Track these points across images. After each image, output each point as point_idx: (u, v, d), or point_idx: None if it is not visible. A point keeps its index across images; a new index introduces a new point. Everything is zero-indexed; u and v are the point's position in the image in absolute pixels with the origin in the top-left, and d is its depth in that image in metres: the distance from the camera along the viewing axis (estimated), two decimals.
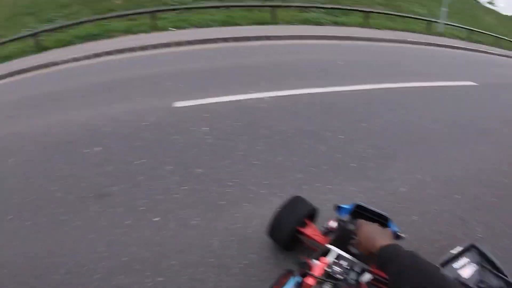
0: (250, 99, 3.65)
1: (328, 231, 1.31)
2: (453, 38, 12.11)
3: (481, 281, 0.87)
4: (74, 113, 3.56)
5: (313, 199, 1.59)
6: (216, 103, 3.49)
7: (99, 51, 6.81)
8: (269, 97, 3.76)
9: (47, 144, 2.85)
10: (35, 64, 6.58)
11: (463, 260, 0.98)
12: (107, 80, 4.80)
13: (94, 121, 3.19)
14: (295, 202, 1.48)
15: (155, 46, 6.93)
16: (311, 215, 1.50)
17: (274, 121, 3.11)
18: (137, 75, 4.96)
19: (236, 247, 1.62)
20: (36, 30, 8.36)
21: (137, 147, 2.65)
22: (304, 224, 1.43)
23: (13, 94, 4.93)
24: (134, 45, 6.96)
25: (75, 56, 6.75)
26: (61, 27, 8.78)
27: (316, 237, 1.33)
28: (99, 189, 2.15)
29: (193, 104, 3.42)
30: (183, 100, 3.52)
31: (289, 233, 1.41)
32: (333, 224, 1.28)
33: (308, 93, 3.99)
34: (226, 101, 3.54)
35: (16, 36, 8.34)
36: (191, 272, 1.51)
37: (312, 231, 1.39)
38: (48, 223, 1.90)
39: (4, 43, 8.30)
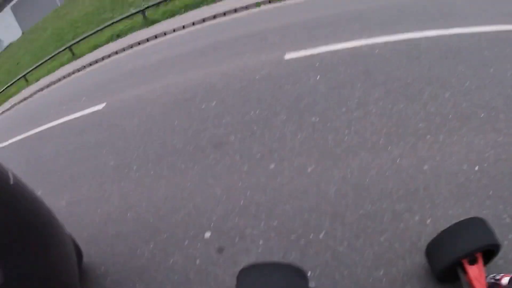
0: (363, 45, 3.47)
1: (495, 286, 1.15)
2: None
3: None
4: (188, 73, 4.04)
5: (433, 159, 1.52)
6: (327, 52, 3.49)
7: (204, 16, 7.48)
8: (384, 42, 3.49)
9: (166, 103, 3.35)
10: (146, 37, 7.91)
11: None
12: (215, 41, 5.25)
13: (208, 79, 3.59)
14: (474, 225, 1.25)
15: (257, 4, 7.13)
16: (489, 251, 1.25)
17: (390, 68, 2.88)
18: (244, 33, 5.23)
19: (353, 196, 1.66)
20: (143, 7, 9.80)
21: (251, 99, 2.88)
22: (473, 260, 1.22)
23: (129, 64, 6.01)
24: (237, 6, 7.33)
25: (183, 24, 7.61)
26: (165, 0, 10.04)
27: (477, 285, 1.16)
28: (217, 139, 2.45)
29: (304, 55, 3.52)
30: (293, 51, 3.66)
31: (448, 263, 1.23)
32: (505, 280, 1.12)
33: (427, 37, 3.51)
34: (338, 49, 3.46)
35: (125, 15, 10.01)
36: (305, 218, 1.63)
37: (477, 273, 1.19)
38: (170, 171, 2.20)
39: (114, 23, 10.09)
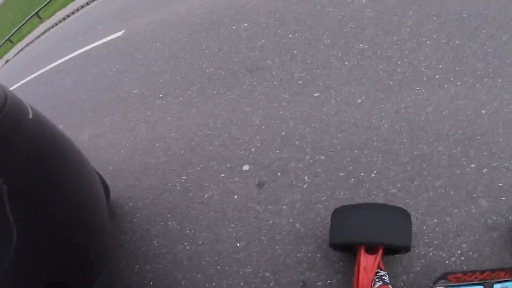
0: None
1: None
2: None
3: None
4: None
5: (491, 104, 1.35)
6: None
7: None
8: None
9: (191, 25, 3.04)
10: None
11: None
12: None
13: None
14: (394, 216, 1.11)
15: None
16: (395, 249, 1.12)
17: None
18: None
19: (407, 134, 1.45)
20: None
21: (288, 21, 2.53)
22: (373, 250, 1.10)
23: None
24: None
25: None
26: None
27: (363, 276, 1.05)
28: (252, 63, 2.16)
29: None
30: None
31: (345, 243, 1.13)
32: None
33: None
34: None
35: None
36: (355, 154, 1.44)
37: (370, 265, 1.07)
38: (200, 98, 1.96)
39: None
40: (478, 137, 1.36)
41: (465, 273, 0.87)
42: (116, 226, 1.57)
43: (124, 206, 1.61)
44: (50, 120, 1.10)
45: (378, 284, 1.01)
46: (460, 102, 1.49)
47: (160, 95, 2.19)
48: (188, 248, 1.38)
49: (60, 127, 1.17)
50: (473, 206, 1.20)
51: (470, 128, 1.40)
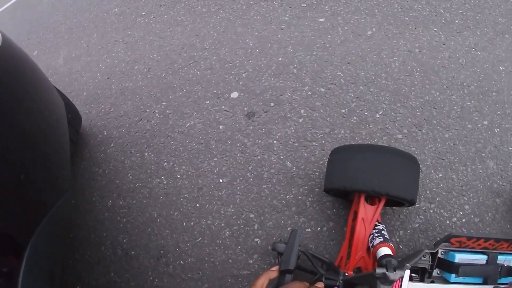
0: None
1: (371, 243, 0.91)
2: None
3: None
4: None
5: (510, 62, 1.22)
6: None
7: None
8: None
9: None
10: None
11: None
12: None
13: None
14: (402, 170, 0.93)
15: None
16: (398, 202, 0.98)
17: None
18: None
19: (419, 76, 1.27)
20: None
21: None
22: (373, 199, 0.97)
23: None
24: None
25: None
26: None
27: (359, 228, 0.94)
28: None
29: None
30: None
31: (343, 188, 0.95)
32: (380, 252, 0.86)
33: None
34: None
35: None
36: (360, 90, 1.25)
37: (369, 216, 0.95)
38: (188, 16, 1.72)
39: None
40: (494, 93, 1.19)
41: (469, 238, 0.74)
42: (89, 157, 1.41)
43: (98, 135, 1.43)
44: (21, 48, 0.97)
45: (378, 240, 0.86)
46: (479, 53, 1.27)
47: (143, 13, 1.90)
48: (165, 182, 1.23)
49: (35, 53, 0.96)
50: (480, 167, 1.08)
51: (486, 82, 1.22)
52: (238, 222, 1.11)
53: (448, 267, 0.73)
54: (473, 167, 1.09)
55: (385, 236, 0.88)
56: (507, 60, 1.23)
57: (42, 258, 0.80)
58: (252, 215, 1.10)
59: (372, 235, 0.89)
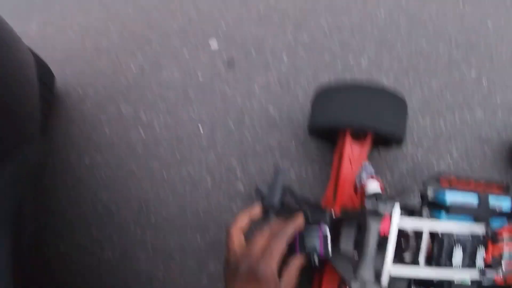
0: None
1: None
2: None
3: None
4: None
5: (498, 18, 1.20)
6: None
7: None
8: None
9: None
10: None
11: None
12: None
13: None
14: (391, 101, 0.94)
15: None
16: (385, 139, 0.98)
17: None
18: None
19: (406, 27, 1.23)
20: None
21: None
22: (359, 136, 0.95)
23: None
24: None
25: None
26: None
27: (345, 165, 0.94)
28: None
29: None
30: None
31: (327, 125, 0.97)
32: (371, 187, 0.82)
33: None
34: None
35: None
36: (345, 38, 1.21)
37: (355, 154, 0.96)
38: None
39: None
40: (481, 47, 1.17)
41: (459, 178, 0.74)
42: (65, 117, 1.35)
43: (73, 93, 1.37)
44: None
45: (366, 177, 0.85)
46: (467, 8, 1.24)
47: None
48: (143, 134, 1.19)
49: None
50: (468, 115, 1.08)
51: (474, 36, 1.19)
52: (220, 169, 1.09)
53: (438, 205, 0.72)
54: (461, 115, 1.08)
55: (372, 171, 0.88)
56: (495, 16, 1.23)
57: None
58: (234, 161, 1.08)
59: (359, 174, 0.88)
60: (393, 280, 0.67)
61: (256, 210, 0.77)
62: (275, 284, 0.65)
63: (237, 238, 0.67)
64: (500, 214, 0.73)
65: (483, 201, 0.73)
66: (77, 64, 1.44)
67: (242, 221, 0.72)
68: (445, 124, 1.08)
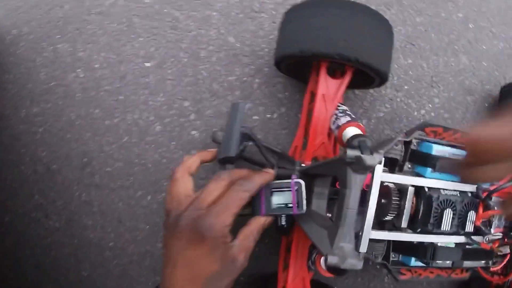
0: None
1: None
2: None
3: None
4: None
5: None
6: None
7: None
8: None
9: None
10: None
11: None
12: None
13: None
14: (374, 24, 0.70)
15: None
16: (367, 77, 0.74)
17: None
18: None
19: None
20: None
21: None
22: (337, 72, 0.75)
23: None
24: None
25: None
26: None
27: (319, 106, 0.73)
28: None
29: None
30: None
31: (294, 54, 0.70)
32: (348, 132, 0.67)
33: None
34: None
35: None
36: None
37: (331, 91, 0.73)
38: None
39: None
40: None
41: (446, 129, 0.62)
42: None
43: (7, 36, 1.15)
44: None
45: (344, 120, 0.65)
46: None
47: None
48: (82, 76, 0.98)
49: None
50: (452, 59, 0.95)
51: None
52: (171, 112, 0.88)
53: (423, 160, 0.60)
54: (445, 58, 0.95)
55: (352, 116, 0.68)
56: None
57: None
58: (187, 103, 0.88)
59: (335, 116, 0.68)
60: (371, 243, 0.58)
61: (208, 154, 0.58)
62: (224, 245, 0.47)
63: (183, 182, 0.52)
64: None
65: None
66: (11, 1, 1.20)
67: (192, 162, 0.55)
68: (428, 67, 0.94)
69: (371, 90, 0.89)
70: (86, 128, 0.95)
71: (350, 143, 0.56)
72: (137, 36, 0.92)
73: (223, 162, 0.56)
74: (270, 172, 0.55)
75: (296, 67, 0.76)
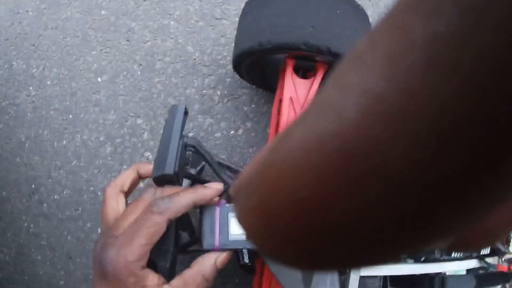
0: None
1: None
2: None
3: None
4: None
5: None
6: None
7: None
8: None
9: None
10: None
11: None
12: None
13: None
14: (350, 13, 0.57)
15: None
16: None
17: None
18: None
19: None
20: None
21: None
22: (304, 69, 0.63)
23: None
24: None
25: None
26: None
27: (285, 110, 0.61)
28: None
29: None
30: None
31: (258, 50, 0.56)
32: None
33: None
34: None
35: None
36: None
37: (301, 93, 0.61)
38: None
39: None
40: None
41: None
42: None
43: None
44: None
45: None
46: None
47: None
48: (33, 94, 0.90)
49: None
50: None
51: None
52: (122, 132, 0.78)
53: None
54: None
55: None
56: None
57: None
58: (140, 121, 0.78)
59: None
60: (362, 280, 0.45)
61: (145, 167, 0.47)
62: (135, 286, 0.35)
63: (113, 203, 0.41)
64: None
65: None
66: None
67: (125, 178, 0.45)
68: None
69: None
70: (35, 151, 0.86)
71: None
72: (90, 49, 0.84)
73: (160, 182, 0.43)
74: (213, 187, 0.42)
75: (260, 71, 0.65)
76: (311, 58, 0.56)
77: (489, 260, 0.53)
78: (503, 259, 0.52)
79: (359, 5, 0.59)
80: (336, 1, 0.55)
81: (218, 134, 0.74)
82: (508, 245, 0.51)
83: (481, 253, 0.50)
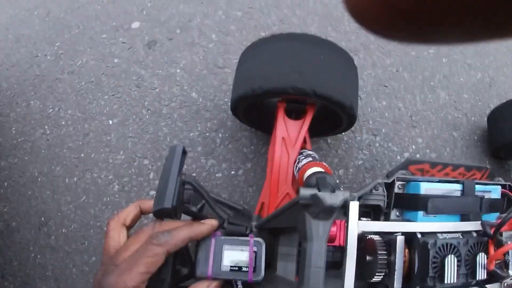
0: None
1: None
2: None
3: None
4: None
5: None
6: None
7: None
8: None
9: None
10: None
11: None
12: None
13: None
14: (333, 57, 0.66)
15: None
16: (333, 114, 0.72)
17: None
18: None
19: None
20: None
21: None
22: (296, 111, 0.71)
23: None
24: None
25: None
26: None
27: (277, 148, 0.68)
28: None
29: None
30: None
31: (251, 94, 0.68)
32: (309, 172, 0.58)
33: None
34: None
35: None
36: (284, 13, 1.07)
37: (292, 131, 0.69)
38: None
39: None
40: None
41: (433, 165, 0.53)
42: None
43: None
44: None
45: (305, 160, 0.60)
46: None
47: None
48: (48, 132, 0.97)
49: None
50: (430, 96, 0.91)
51: None
52: (130, 171, 0.85)
53: (412, 202, 0.50)
54: (422, 96, 0.90)
55: (316, 157, 0.63)
56: None
57: None
58: (146, 161, 0.85)
59: (297, 160, 0.63)
60: None
61: (147, 203, 0.52)
62: None
63: (115, 235, 0.45)
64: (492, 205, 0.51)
65: (469, 190, 0.50)
66: None
67: (128, 212, 0.48)
68: (405, 107, 0.89)
69: (344, 137, 0.84)
70: (47, 186, 0.92)
71: (307, 182, 0.49)
72: (103, 94, 0.92)
73: (159, 215, 0.48)
74: (208, 223, 0.46)
75: (258, 115, 0.72)
76: (301, 101, 0.64)
77: (490, 286, 0.50)
78: (504, 284, 0.48)
79: (341, 49, 0.64)
80: (321, 47, 0.61)
81: (219, 174, 0.81)
82: (507, 269, 0.49)
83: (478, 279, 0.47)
